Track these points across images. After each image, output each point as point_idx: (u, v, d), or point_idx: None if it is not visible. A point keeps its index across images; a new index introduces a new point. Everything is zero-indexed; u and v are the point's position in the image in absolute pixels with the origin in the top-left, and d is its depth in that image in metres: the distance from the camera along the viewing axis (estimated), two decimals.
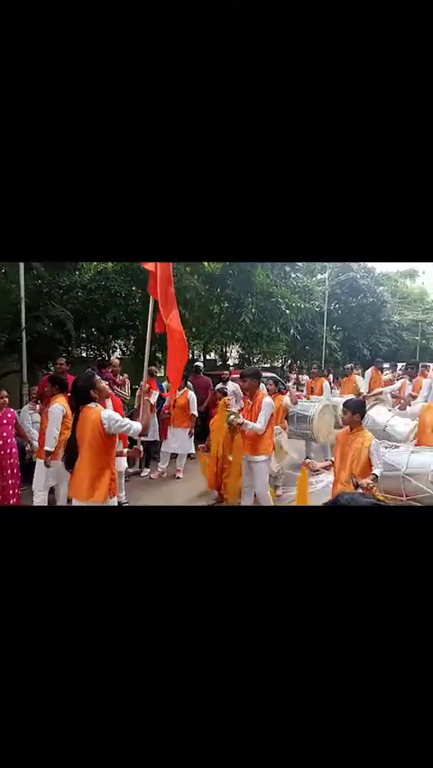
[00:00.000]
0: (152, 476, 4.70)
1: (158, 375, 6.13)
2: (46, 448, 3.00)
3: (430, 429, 2.93)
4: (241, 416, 3.24)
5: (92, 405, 2.16)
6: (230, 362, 13.44)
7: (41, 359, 6.49)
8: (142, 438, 4.76)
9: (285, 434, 4.26)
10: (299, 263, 11.03)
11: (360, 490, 2.22)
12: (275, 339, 10.57)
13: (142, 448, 2.81)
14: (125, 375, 5.09)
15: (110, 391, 2.44)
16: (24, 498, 3.34)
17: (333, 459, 2.73)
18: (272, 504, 3.35)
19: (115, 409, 3.66)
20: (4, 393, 3.18)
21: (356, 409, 2.53)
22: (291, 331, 10.56)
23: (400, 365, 8.03)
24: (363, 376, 6.63)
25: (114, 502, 2.33)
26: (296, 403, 4.61)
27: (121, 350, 10.63)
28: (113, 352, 10.04)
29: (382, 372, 6.65)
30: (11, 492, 3.16)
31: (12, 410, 3.28)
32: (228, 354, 13.89)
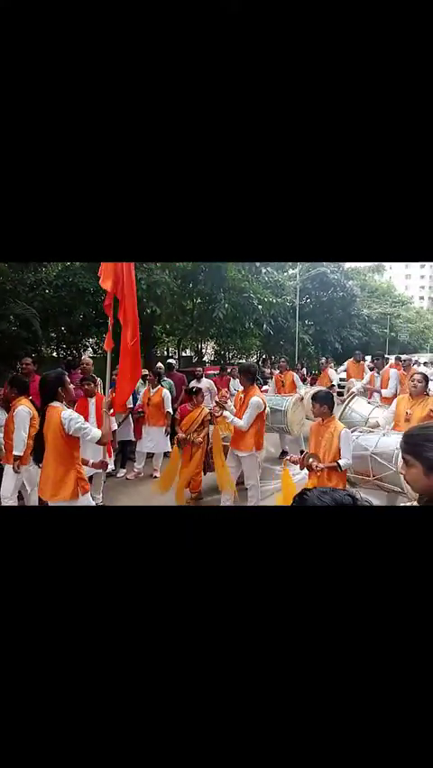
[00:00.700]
0: (128, 477, 4.60)
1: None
2: (15, 453, 2.87)
3: (404, 419, 3.04)
4: (229, 406, 3.25)
5: (57, 404, 2.15)
6: (205, 359, 13.41)
7: (8, 358, 6.23)
8: (119, 439, 4.68)
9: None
10: None
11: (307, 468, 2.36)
12: (249, 334, 10.63)
13: (108, 460, 2.72)
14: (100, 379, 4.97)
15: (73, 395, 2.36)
16: None
17: (306, 450, 2.81)
18: (258, 495, 3.38)
19: (101, 409, 3.56)
20: None
21: (324, 401, 2.63)
22: (265, 326, 10.65)
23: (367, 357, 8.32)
24: (335, 370, 6.78)
25: (87, 500, 2.29)
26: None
27: (92, 348, 10.37)
28: (84, 350, 9.79)
29: (362, 362, 6.80)
30: None
31: None
32: (204, 351, 13.86)
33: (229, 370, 6.54)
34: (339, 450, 2.54)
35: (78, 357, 7.62)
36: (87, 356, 7.28)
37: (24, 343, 6.25)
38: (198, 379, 5.80)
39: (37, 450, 2.18)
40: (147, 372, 5.11)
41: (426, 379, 3.03)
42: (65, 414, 2.10)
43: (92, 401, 3.58)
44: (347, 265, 16.83)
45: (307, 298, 14.77)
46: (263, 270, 10.60)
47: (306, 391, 5.11)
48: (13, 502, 2.96)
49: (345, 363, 6.95)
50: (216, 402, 3.32)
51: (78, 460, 2.22)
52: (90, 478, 2.80)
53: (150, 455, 4.66)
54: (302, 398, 4.84)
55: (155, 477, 4.52)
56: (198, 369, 6.28)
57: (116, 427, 4.23)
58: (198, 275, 8.30)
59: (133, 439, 4.72)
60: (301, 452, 3.22)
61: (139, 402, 4.67)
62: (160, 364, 5.60)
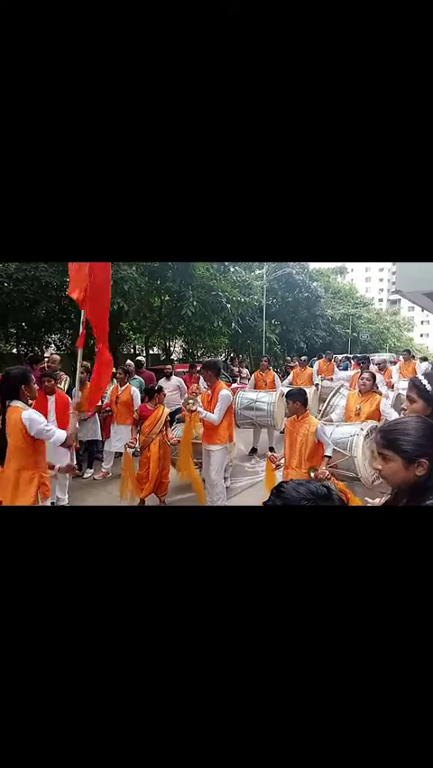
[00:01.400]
0: (95, 477, 4.48)
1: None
2: None
3: (354, 413, 3.31)
4: (199, 402, 3.28)
5: (18, 404, 2.03)
6: (174, 357, 13.31)
7: None
8: (86, 438, 4.53)
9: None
10: None
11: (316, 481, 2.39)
12: (217, 333, 10.66)
13: (75, 464, 2.64)
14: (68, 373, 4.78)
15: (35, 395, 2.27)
16: None
17: (275, 450, 2.90)
18: (221, 489, 3.40)
19: (62, 407, 3.42)
20: None
21: (298, 397, 2.73)
22: (233, 325, 10.72)
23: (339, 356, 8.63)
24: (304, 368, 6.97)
25: (47, 504, 2.21)
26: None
27: (56, 345, 10.00)
28: (46, 347, 9.41)
29: (332, 362, 7.13)
30: None
31: None
32: (172, 349, 13.75)
33: (199, 369, 6.54)
34: (317, 444, 2.68)
35: (41, 354, 7.31)
36: (53, 353, 6.99)
37: None
38: (168, 377, 5.75)
39: (1, 449, 2.05)
40: (116, 370, 4.99)
41: (373, 377, 3.35)
42: (25, 414, 1.98)
43: (51, 399, 3.42)
44: (312, 266, 17.29)
45: (273, 298, 15.02)
46: (231, 269, 10.68)
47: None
48: None
49: (316, 363, 7.18)
50: (186, 399, 3.31)
51: (43, 463, 2.12)
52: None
53: (118, 455, 4.56)
54: (283, 395, 5.00)
55: None
56: (168, 366, 6.23)
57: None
58: (166, 272, 8.21)
59: (101, 438, 4.59)
60: (271, 449, 3.31)
61: (106, 400, 4.55)
62: (129, 362, 5.49)
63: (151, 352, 13.01)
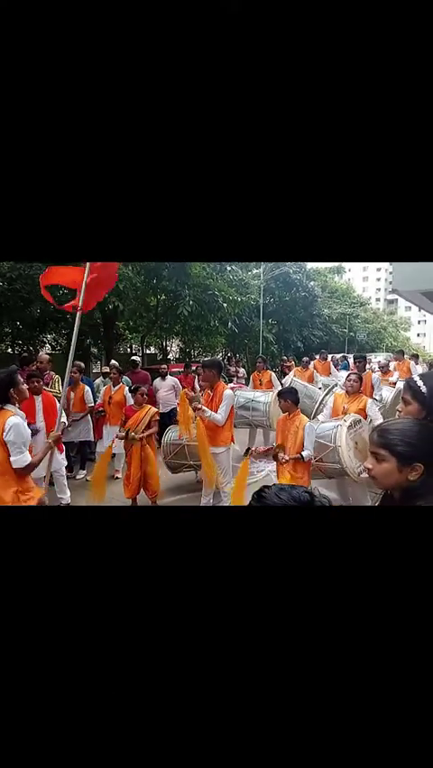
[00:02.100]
0: (87, 478, 4.42)
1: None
2: None
3: (341, 411, 3.38)
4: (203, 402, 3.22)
5: (9, 407, 1.98)
6: (171, 357, 13.26)
7: None
8: (78, 439, 4.46)
9: None
10: None
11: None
12: (214, 332, 10.61)
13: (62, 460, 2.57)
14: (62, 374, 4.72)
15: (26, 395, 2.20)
16: None
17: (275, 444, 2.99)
18: (229, 491, 3.36)
19: (48, 407, 3.37)
20: None
21: (289, 396, 2.86)
22: (230, 324, 10.68)
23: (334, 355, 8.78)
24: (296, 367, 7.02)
25: None
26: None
27: (50, 345, 9.94)
28: (41, 347, 9.35)
29: (328, 361, 7.26)
30: None
31: None
32: (168, 348, 13.69)
33: (194, 368, 6.50)
34: (303, 441, 2.75)
35: (35, 353, 7.24)
36: (43, 353, 6.91)
37: None
38: (163, 376, 5.70)
39: None
40: (109, 370, 4.93)
41: (360, 379, 3.45)
42: (10, 421, 1.93)
43: (38, 399, 3.37)
44: (309, 266, 17.24)
45: (270, 298, 14.99)
46: (228, 269, 10.62)
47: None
48: None
49: (312, 362, 7.26)
50: (189, 398, 3.23)
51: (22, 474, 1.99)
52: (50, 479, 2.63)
53: (111, 456, 4.50)
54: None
55: (117, 477, 4.38)
56: (163, 366, 6.17)
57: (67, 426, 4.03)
58: (162, 271, 8.15)
59: (93, 439, 4.54)
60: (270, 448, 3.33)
61: (99, 401, 4.50)
62: (114, 362, 5.40)
63: (147, 351, 12.95)
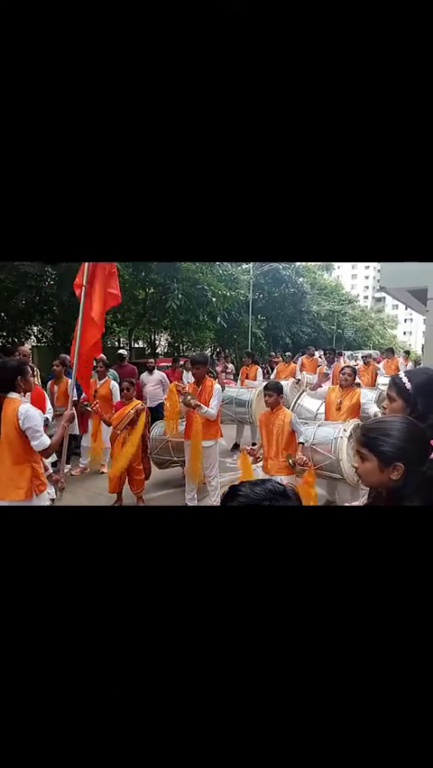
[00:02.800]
0: (73, 472, 4.36)
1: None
2: None
3: (335, 408, 3.35)
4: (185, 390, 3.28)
5: (14, 395, 1.99)
6: (159, 351, 13.16)
7: None
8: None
9: None
10: None
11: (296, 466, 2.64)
12: (203, 327, 10.56)
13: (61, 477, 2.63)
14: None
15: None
16: None
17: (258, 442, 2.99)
18: (215, 486, 3.39)
19: (37, 400, 3.30)
20: None
21: (275, 390, 2.82)
22: (219, 319, 10.63)
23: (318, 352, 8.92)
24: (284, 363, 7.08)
25: (44, 500, 2.14)
26: (223, 388, 4.68)
27: (36, 336, 9.75)
28: (26, 339, 9.16)
29: (313, 357, 7.36)
30: None
31: None
32: (157, 342, 13.58)
33: (182, 363, 6.45)
34: (291, 433, 2.74)
35: (21, 345, 7.08)
36: (27, 345, 6.77)
37: None
38: (150, 371, 5.64)
39: None
40: (96, 363, 4.86)
41: (354, 372, 3.42)
42: (22, 408, 1.95)
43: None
44: (299, 263, 17.28)
45: (259, 293, 14.96)
46: (217, 263, 10.54)
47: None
48: None
49: (300, 358, 7.34)
50: (185, 395, 3.24)
51: (36, 456, 2.04)
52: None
53: None
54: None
55: (102, 472, 4.33)
56: (150, 360, 6.10)
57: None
58: (151, 264, 8.05)
59: (78, 433, 4.47)
60: (254, 444, 3.35)
61: (84, 395, 4.42)
62: (101, 355, 5.33)
63: (136, 345, 12.82)
